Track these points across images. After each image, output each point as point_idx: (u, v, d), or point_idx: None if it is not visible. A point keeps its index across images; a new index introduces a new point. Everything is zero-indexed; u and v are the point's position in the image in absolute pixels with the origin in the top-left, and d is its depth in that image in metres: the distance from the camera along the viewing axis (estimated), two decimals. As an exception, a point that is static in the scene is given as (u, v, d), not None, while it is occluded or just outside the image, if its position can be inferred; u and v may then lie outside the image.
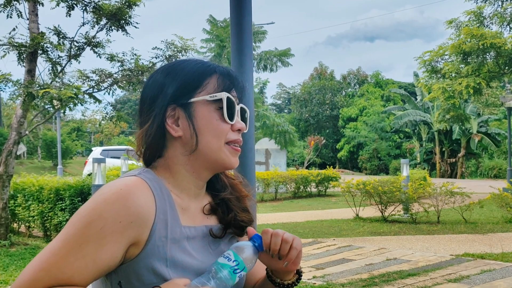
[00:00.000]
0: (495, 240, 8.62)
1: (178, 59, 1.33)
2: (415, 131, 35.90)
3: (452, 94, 15.60)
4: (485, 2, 15.53)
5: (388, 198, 10.82)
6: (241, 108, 1.22)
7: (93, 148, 27.54)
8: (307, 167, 28.99)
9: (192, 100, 1.17)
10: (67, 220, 8.17)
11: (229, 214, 1.27)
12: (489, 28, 15.58)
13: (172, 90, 1.18)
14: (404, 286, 5.82)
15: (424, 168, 28.00)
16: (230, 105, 1.17)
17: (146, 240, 1.09)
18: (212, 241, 1.23)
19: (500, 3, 15.42)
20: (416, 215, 10.77)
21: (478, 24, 15.59)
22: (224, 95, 1.16)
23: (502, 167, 28.62)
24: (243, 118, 1.23)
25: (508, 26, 15.43)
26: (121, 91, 9.91)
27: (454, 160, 32.96)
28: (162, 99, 1.18)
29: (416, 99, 35.54)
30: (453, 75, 16.09)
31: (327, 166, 20.36)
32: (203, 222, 1.24)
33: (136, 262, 1.10)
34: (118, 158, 16.94)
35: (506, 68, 15.71)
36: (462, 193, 10.45)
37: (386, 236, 9.32)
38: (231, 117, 1.17)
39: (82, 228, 1.05)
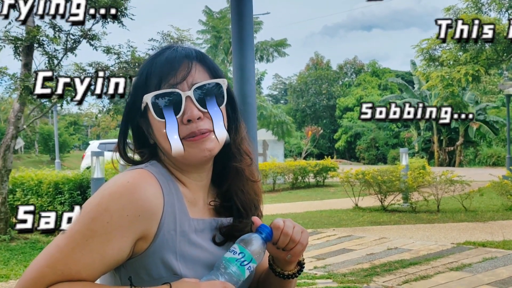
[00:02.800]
0: (496, 228, 8.62)
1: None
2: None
3: (450, 82, 15.55)
4: (483, -11, 15.45)
5: (387, 188, 10.80)
6: (195, 90, 1.13)
7: (90, 142, 27.48)
8: (304, 158, 28.94)
9: (142, 109, 1.16)
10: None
11: (231, 224, 1.23)
12: (487, 14, 15.51)
13: (132, 100, 1.19)
14: (406, 275, 5.82)
15: (422, 157, 27.94)
16: (161, 104, 1.12)
17: (154, 234, 1.08)
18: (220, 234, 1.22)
19: (498, -11, 15.35)
20: (415, 204, 10.76)
21: (476, 11, 15.51)
22: (147, 99, 1.13)
23: (501, 155, 28.63)
24: (202, 99, 1.14)
25: (506, 13, 15.36)
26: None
27: (452, 148, 32.96)
28: (134, 110, 1.19)
29: (414, 87, 35.48)
30: (451, 62, 16.03)
31: (325, 157, 20.35)
32: (211, 215, 1.23)
33: (145, 256, 1.09)
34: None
35: (505, 55, 15.65)
36: (462, 181, 10.44)
37: (386, 225, 9.31)
38: (168, 115, 1.12)
39: (88, 223, 1.04)
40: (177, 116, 1.12)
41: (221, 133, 1.16)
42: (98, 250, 1.03)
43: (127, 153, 1.23)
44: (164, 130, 1.12)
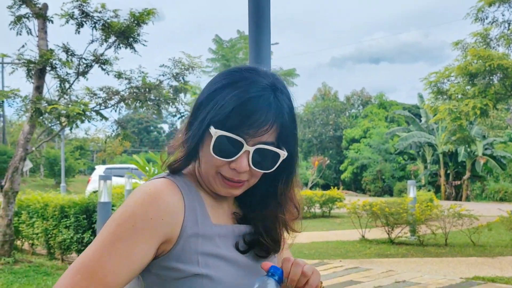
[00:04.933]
0: (505, 264, 8.49)
1: (242, 67, 1.25)
2: (420, 153, 35.75)
3: (458, 115, 15.55)
4: (492, 24, 15.56)
5: (395, 220, 10.68)
6: (257, 149, 1.16)
7: (96, 167, 27.51)
8: (310, 188, 28.83)
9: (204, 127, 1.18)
10: (71, 237, 8.08)
11: (255, 235, 1.27)
12: (495, 49, 15.59)
13: (213, 110, 1.17)
14: (415, 309, 5.70)
15: (429, 190, 27.79)
16: (222, 143, 1.15)
17: (177, 237, 1.14)
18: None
19: (506, 25, 15.46)
20: (423, 237, 10.63)
21: (484, 46, 15.61)
22: (214, 132, 1.14)
23: (508, 190, 28.44)
24: (258, 160, 1.17)
25: (514, 48, 15.44)
26: (125, 110, 9.91)
27: (459, 182, 32.76)
28: (207, 112, 1.18)
29: (421, 120, 35.46)
30: (459, 96, 16.06)
31: (331, 187, 20.25)
32: (233, 222, 1.28)
33: (167, 258, 1.14)
34: (122, 176, 16.88)
35: (513, 90, 15.67)
36: (471, 215, 10.31)
37: (394, 258, 9.18)
38: (220, 154, 1.16)
39: (115, 228, 1.10)
40: (228, 160, 1.16)
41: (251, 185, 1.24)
42: (125, 254, 1.08)
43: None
44: (214, 159, 1.17)
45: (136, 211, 1.10)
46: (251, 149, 1.15)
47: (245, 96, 1.14)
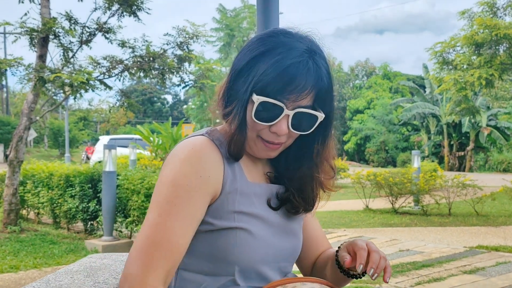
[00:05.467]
0: (508, 233, 8.53)
1: (277, 31, 1.21)
2: (424, 123, 35.63)
3: (464, 86, 15.42)
4: (499, -7, 15.31)
5: (399, 190, 10.71)
6: (296, 113, 1.19)
7: (100, 137, 27.57)
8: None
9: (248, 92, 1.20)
10: (76, 207, 8.12)
11: (286, 192, 1.31)
12: (502, 19, 15.37)
13: (254, 78, 1.19)
14: (418, 277, 5.75)
15: (433, 161, 27.79)
16: (263, 109, 1.18)
17: (219, 193, 1.19)
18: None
19: (514, -6, 15.20)
20: (427, 207, 10.67)
21: (491, 15, 15.39)
22: (256, 99, 1.17)
23: (512, 161, 28.44)
24: (296, 122, 1.21)
25: (522, 18, 15.22)
26: (128, 81, 9.84)
27: (462, 153, 32.73)
28: (249, 82, 1.20)
29: (425, 91, 35.23)
30: (465, 66, 15.90)
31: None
32: (266, 182, 1.32)
33: (209, 211, 1.19)
34: (125, 147, 16.93)
35: (519, 60, 15.50)
36: (474, 186, 10.33)
37: (397, 227, 9.24)
38: (261, 119, 1.19)
39: (170, 190, 1.14)
40: (268, 124, 1.20)
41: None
42: (187, 214, 1.13)
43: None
44: (255, 123, 1.20)
45: (186, 170, 1.14)
46: (291, 113, 1.19)
47: (284, 63, 1.16)
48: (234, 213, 1.19)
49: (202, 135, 1.24)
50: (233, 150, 1.22)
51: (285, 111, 1.18)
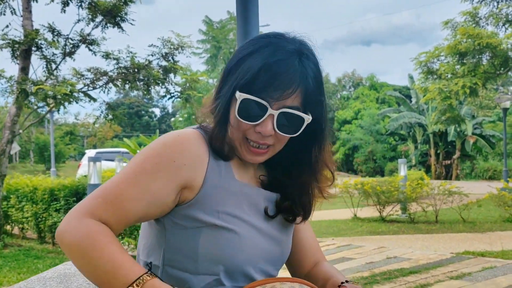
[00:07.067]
0: (494, 239, 8.56)
1: (270, 34, 1.19)
2: (410, 133, 35.85)
3: (448, 95, 15.56)
4: (481, 3, 15.50)
5: (386, 198, 10.74)
6: (281, 113, 1.18)
7: (86, 151, 27.36)
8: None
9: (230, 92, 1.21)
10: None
11: (286, 200, 1.31)
12: (484, 28, 15.56)
13: (239, 75, 1.20)
14: (406, 284, 5.73)
15: (420, 170, 27.92)
16: (247, 107, 1.17)
17: (200, 186, 1.18)
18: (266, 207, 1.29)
19: (495, 3, 15.38)
20: (414, 214, 10.70)
21: (474, 25, 15.57)
22: (239, 96, 1.17)
23: (497, 169, 28.64)
24: (282, 123, 1.19)
25: (503, 27, 15.41)
26: (114, 94, 9.79)
27: (449, 162, 32.95)
28: (234, 79, 1.20)
29: (411, 101, 35.52)
30: (449, 75, 16.06)
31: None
32: (258, 186, 1.30)
33: (189, 206, 1.19)
34: (112, 160, 16.79)
35: (502, 68, 15.69)
36: (460, 193, 10.39)
37: (385, 235, 9.24)
38: (245, 118, 1.18)
39: (139, 162, 1.16)
40: (253, 123, 1.19)
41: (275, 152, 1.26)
42: (145, 185, 1.13)
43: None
44: (240, 123, 1.20)
45: (162, 151, 1.16)
46: (276, 113, 1.17)
47: (270, 60, 1.16)
48: (219, 211, 1.19)
49: (195, 128, 1.25)
50: (215, 146, 1.22)
51: (269, 111, 1.17)
